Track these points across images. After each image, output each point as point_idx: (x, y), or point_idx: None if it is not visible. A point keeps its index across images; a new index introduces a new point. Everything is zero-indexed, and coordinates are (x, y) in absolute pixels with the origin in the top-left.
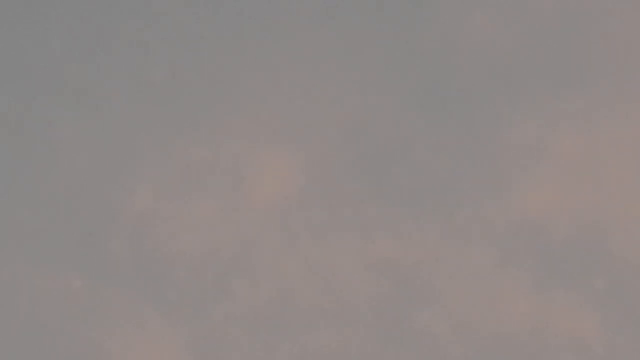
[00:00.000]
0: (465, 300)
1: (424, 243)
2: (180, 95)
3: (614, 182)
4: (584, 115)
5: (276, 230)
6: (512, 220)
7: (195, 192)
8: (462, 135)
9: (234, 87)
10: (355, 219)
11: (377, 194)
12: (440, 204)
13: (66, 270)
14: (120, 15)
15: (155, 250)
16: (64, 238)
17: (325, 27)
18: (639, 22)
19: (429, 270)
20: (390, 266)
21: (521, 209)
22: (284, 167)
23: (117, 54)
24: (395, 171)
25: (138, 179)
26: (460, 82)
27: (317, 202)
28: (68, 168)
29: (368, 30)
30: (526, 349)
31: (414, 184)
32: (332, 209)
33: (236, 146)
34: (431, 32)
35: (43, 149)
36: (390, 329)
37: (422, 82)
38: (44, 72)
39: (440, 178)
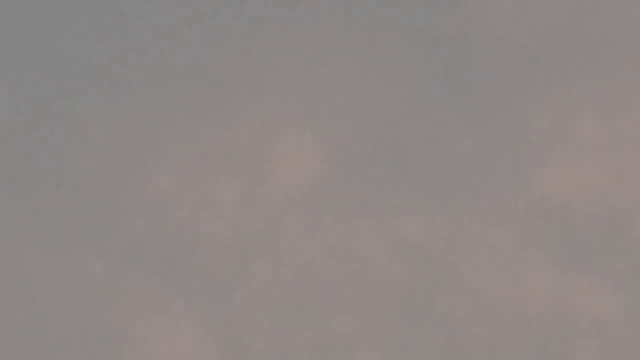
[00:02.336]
0: (488, 282)
1: (446, 226)
2: (203, 80)
3: (635, 164)
4: (604, 98)
5: (299, 213)
6: (534, 203)
7: (218, 175)
8: (483, 119)
9: (257, 72)
10: (377, 202)
11: (399, 177)
12: (462, 187)
13: (88, 254)
14: (144, 2)
15: (177, 233)
16: (86, 222)
17: (348, 12)
18: None
19: (451, 252)
20: (413, 249)
21: (543, 192)
22: (307, 150)
23: (140, 40)
24: (416, 154)
25: (160, 162)
26: (481, 66)
27: (339, 186)
28: (91, 152)
29: (390, 15)
30: (548, 330)
31: (436, 167)
32: (354, 192)
33: (259, 130)
34: (452, 16)
35: (66, 133)
36: (413, 312)
37: (444, 66)
38: (69, 59)
39: (461, 161)
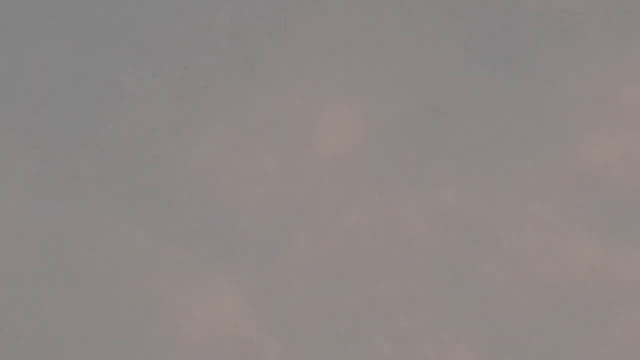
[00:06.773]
0: (529, 250)
1: (487, 194)
2: (246, 49)
3: None
4: None
5: (339, 182)
6: (574, 172)
7: (259, 145)
8: (524, 87)
9: (299, 42)
10: (418, 170)
11: (440, 145)
12: (502, 156)
13: (130, 223)
14: None
15: (218, 202)
16: (128, 191)
17: None
18: None
19: (492, 221)
20: (454, 217)
21: (583, 161)
22: (347, 119)
23: (183, 9)
24: (457, 123)
25: (202, 131)
26: (522, 34)
27: (380, 154)
28: (133, 121)
29: None
30: (588, 298)
31: (477, 136)
32: (394, 160)
33: (301, 100)
34: None
35: (108, 103)
36: (454, 280)
37: (485, 34)
38: (111, 28)
39: (502, 130)
